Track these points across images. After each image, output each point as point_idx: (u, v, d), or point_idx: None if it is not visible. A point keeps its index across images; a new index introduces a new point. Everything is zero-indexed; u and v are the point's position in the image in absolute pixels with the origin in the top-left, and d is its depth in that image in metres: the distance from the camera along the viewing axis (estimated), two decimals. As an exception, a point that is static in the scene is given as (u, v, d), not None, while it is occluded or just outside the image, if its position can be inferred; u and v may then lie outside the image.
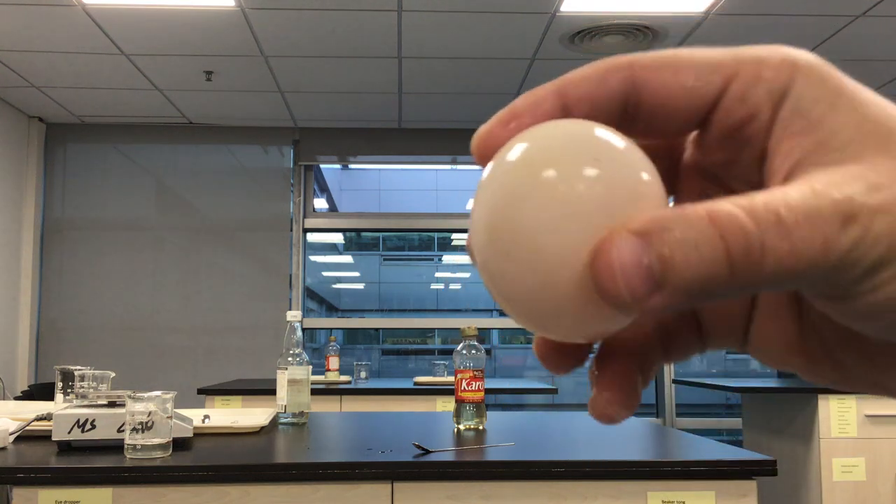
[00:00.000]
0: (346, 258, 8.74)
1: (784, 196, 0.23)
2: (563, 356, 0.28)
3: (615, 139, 0.25)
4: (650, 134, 0.27)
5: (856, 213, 0.22)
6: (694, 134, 0.28)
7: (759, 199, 0.23)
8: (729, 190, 0.28)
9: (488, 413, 1.98)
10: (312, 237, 5.57)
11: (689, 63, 0.26)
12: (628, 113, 0.26)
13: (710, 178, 0.29)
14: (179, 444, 1.59)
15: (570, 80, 0.26)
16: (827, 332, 0.27)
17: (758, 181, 0.26)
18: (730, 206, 0.22)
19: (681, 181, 0.30)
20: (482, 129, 0.27)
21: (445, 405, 3.49)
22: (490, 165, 0.26)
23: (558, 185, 0.24)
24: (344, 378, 4.00)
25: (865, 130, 0.24)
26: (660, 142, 0.29)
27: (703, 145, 0.28)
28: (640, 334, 0.29)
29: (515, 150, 0.25)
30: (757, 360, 0.30)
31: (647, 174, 0.25)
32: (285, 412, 2.03)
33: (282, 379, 2.03)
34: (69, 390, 2.04)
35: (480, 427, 1.90)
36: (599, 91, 0.26)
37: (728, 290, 0.23)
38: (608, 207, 0.24)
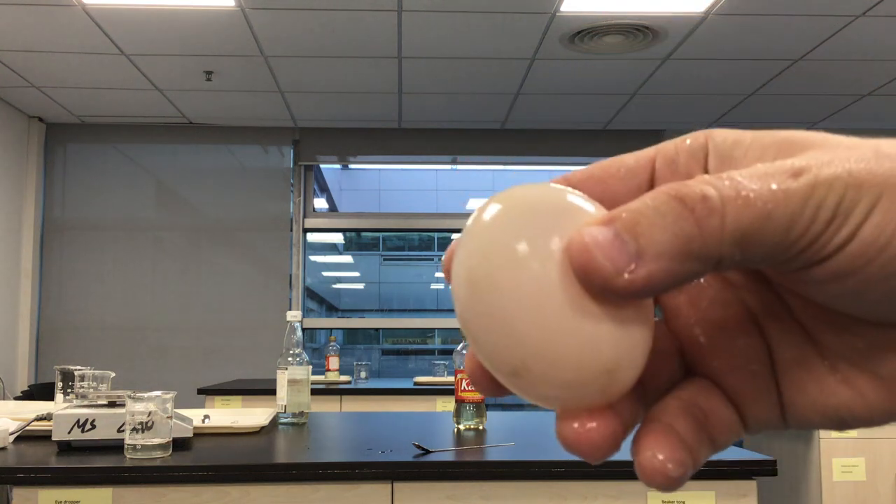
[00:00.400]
0: (346, 258, 8.74)
1: (730, 172, 0.24)
2: (495, 381, 0.28)
3: (582, 204, 0.26)
4: None
5: (802, 168, 0.24)
6: None
7: (706, 175, 0.25)
8: None
9: (488, 413, 1.98)
10: (312, 237, 5.57)
11: (612, 165, 0.28)
12: None
13: None
14: (179, 444, 1.59)
15: None
16: (839, 341, 0.27)
17: None
18: (680, 181, 0.24)
19: None
20: (447, 254, 0.28)
21: (445, 405, 3.49)
22: (470, 224, 0.27)
23: (531, 263, 0.25)
24: (344, 378, 4.00)
25: (786, 146, 0.26)
26: None
27: None
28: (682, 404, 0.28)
29: (490, 214, 0.26)
30: (807, 425, 0.28)
31: (595, 208, 0.26)
32: (285, 412, 2.03)
33: (282, 379, 2.03)
34: (69, 390, 2.04)
35: (480, 427, 1.90)
36: None
37: (705, 250, 0.24)
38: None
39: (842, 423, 0.27)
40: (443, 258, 0.28)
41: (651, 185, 0.28)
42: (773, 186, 0.23)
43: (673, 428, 0.27)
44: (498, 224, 0.26)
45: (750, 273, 0.29)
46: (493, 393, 0.28)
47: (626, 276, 0.24)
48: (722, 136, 0.27)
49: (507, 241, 0.25)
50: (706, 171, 0.27)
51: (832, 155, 0.24)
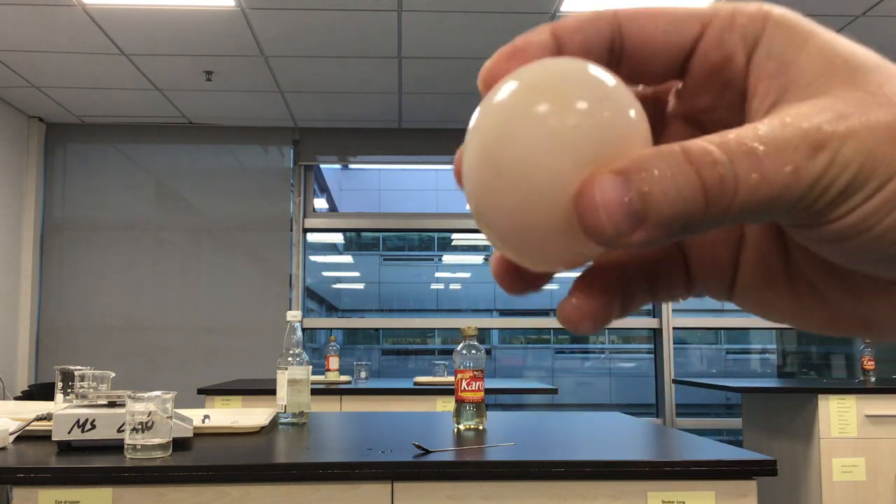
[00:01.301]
0: (346, 258, 8.74)
1: (755, 130, 0.24)
2: (520, 278, 0.29)
3: (605, 77, 0.26)
4: (634, 78, 0.29)
5: (824, 140, 0.23)
6: (677, 86, 0.30)
7: (731, 134, 0.24)
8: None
9: (488, 413, 1.98)
10: (312, 237, 5.57)
11: (666, 12, 0.28)
12: (613, 55, 0.28)
13: (695, 125, 0.30)
14: (179, 444, 1.59)
15: (564, 23, 0.28)
16: (811, 268, 0.28)
17: (739, 124, 0.26)
18: (703, 143, 0.24)
19: (666, 130, 0.31)
20: (487, 64, 0.28)
21: (445, 405, 3.49)
22: (487, 97, 0.27)
23: (548, 118, 0.25)
24: (344, 378, 4.00)
25: (833, 68, 0.25)
26: (646, 91, 0.31)
27: (686, 92, 0.29)
28: (626, 260, 0.30)
29: (510, 84, 0.26)
30: (744, 308, 0.30)
31: (635, 112, 0.26)
32: (285, 412, 2.03)
33: (282, 379, 2.03)
34: (69, 390, 2.04)
35: (480, 427, 1.90)
36: (588, 33, 0.28)
37: (705, 222, 0.24)
38: (595, 142, 0.25)
39: (765, 315, 0.30)
40: (454, 160, 0.29)
41: (692, 50, 0.28)
42: (788, 169, 0.23)
43: (607, 290, 0.29)
44: (506, 101, 0.26)
45: None
46: (518, 289, 0.29)
47: (625, 238, 0.24)
48: (782, 28, 0.26)
49: (524, 105, 0.25)
50: (749, 62, 0.27)
51: (871, 116, 0.24)
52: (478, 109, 0.27)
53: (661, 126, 0.31)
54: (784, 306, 0.29)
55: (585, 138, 0.24)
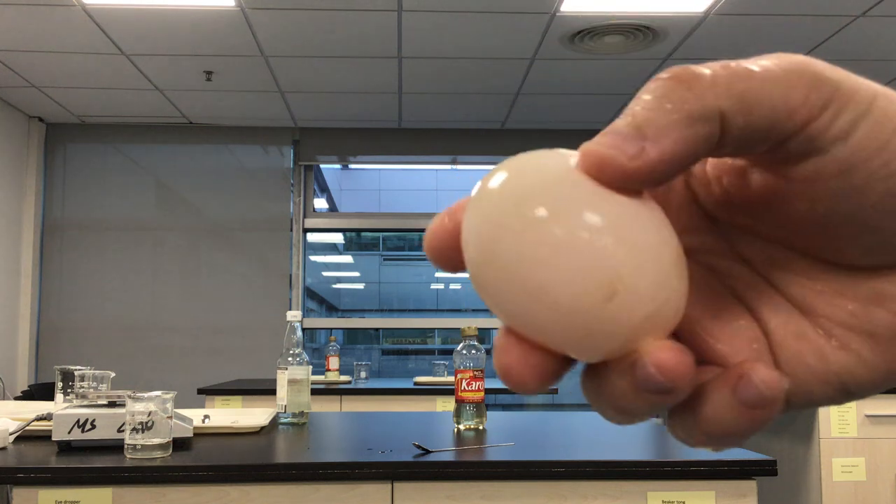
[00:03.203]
0: (346, 258, 8.74)
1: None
2: (540, 368, 0.27)
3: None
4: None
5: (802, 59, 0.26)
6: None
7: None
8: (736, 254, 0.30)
9: (488, 413, 1.98)
10: (312, 237, 5.57)
11: None
12: None
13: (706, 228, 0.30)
14: (179, 444, 1.59)
15: None
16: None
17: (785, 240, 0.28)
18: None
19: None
20: (430, 228, 0.28)
21: (445, 405, 3.49)
22: (478, 189, 0.27)
23: (554, 228, 0.24)
24: (344, 378, 4.00)
25: None
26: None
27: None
28: None
29: (504, 182, 0.26)
30: (810, 400, 0.28)
31: (651, 217, 0.25)
32: (285, 412, 2.03)
33: (282, 379, 2.03)
34: (69, 390, 2.04)
35: (480, 427, 1.90)
36: None
37: (703, 107, 0.24)
38: (611, 256, 0.24)
39: (844, 390, 0.27)
40: (427, 238, 0.28)
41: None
42: (766, 62, 0.25)
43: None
44: (504, 182, 0.26)
45: (731, 257, 0.30)
46: (535, 386, 0.26)
47: (641, 158, 0.24)
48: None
49: (516, 192, 0.25)
50: None
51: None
52: (473, 196, 0.27)
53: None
54: (840, 365, 0.27)
55: (597, 254, 0.24)
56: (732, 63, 0.25)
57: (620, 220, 0.25)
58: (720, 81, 0.25)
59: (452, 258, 0.28)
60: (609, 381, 0.26)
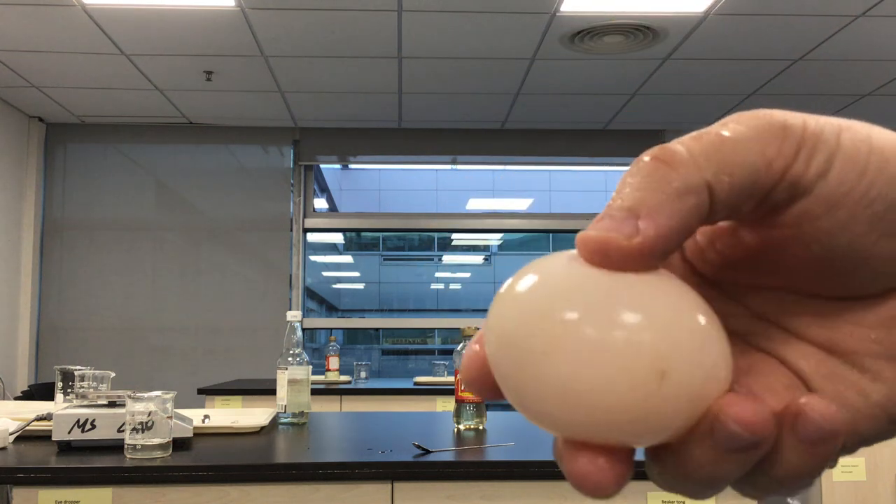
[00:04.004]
0: (346, 258, 8.74)
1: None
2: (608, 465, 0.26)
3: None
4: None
5: (767, 113, 0.27)
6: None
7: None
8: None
9: (488, 413, 1.98)
10: (312, 237, 5.57)
11: None
12: None
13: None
14: (179, 444, 1.59)
15: None
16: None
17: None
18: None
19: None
20: (464, 364, 0.28)
21: (445, 405, 3.49)
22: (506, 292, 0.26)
23: (588, 332, 0.24)
24: (344, 378, 4.00)
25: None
26: None
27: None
28: None
29: (532, 289, 0.26)
30: (864, 439, 0.27)
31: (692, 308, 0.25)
32: (285, 412, 2.03)
33: (282, 379, 2.03)
34: (69, 390, 2.04)
35: (480, 427, 1.90)
36: None
37: (687, 181, 0.25)
38: (657, 352, 0.24)
39: (891, 419, 0.27)
40: (463, 367, 0.27)
41: None
42: (732, 125, 0.26)
43: None
44: (524, 295, 0.25)
45: (746, 317, 0.30)
46: (619, 485, 0.26)
47: (639, 236, 0.25)
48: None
49: (541, 306, 0.25)
50: None
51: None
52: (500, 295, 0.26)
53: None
54: (881, 395, 0.27)
55: (638, 354, 0.24)
56: (703, 134, 0.26)
57: (643, 301, 0.25)
58: (697, 154, 0.25)
59: (493, 384, 0.27)
60: (686, 455, 0.25)
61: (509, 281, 0.26)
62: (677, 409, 0.24)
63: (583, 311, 0.24)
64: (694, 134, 0.26)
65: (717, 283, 0.30)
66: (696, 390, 0.24)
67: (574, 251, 0.26)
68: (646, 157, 0.26)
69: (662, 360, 0.24)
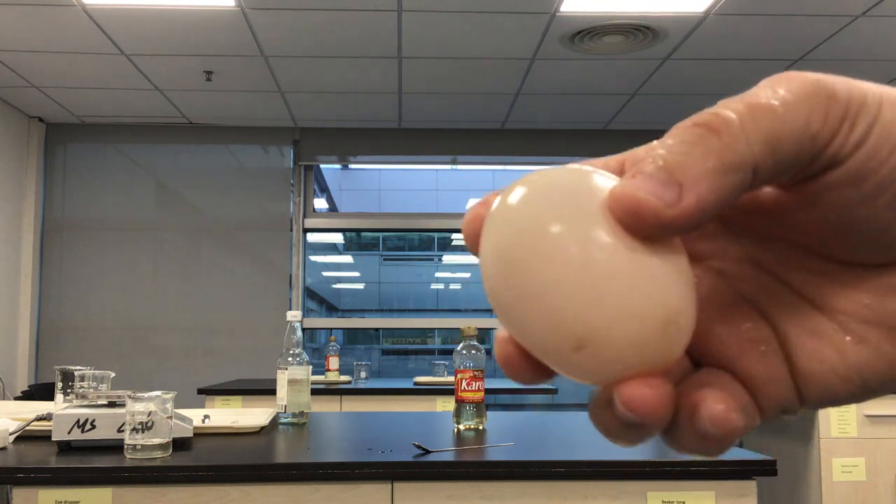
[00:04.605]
0: (346, 258, 8.74)
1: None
2: (533, 367, 0.27)
3: (606, 177, 0.26)
4: None
5: (813, 76, 0.26)
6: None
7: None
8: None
9: (488, 413, 1.98)
10: (312, 237, 5.57)
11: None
12: None
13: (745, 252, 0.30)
14: (179, 444, 1.59)
15: None
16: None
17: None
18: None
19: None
20: (467, 217, 0.28)
21: (445, 405, 3.49)
22: (497, 206, 0.26)
23: (572, 231, 0.25)
24: (344, 378, 4.00)
25: None
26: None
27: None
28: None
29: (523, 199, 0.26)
30: (829, 399, 0.28)
31: None
32: (285, 412, 2.03)
33: (282, 379, 2.03)
34: (69, 390, 2.04)
35: (480, 427, 1.90)
36: None
37: (737, 158, 0.24)
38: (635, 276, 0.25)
39: (865, 385, 0.27)
40: (464, 225, 0.28)
41: None
42: (781, 91, 0.25)
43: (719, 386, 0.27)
44: (529, 202, 0.26)
45: (741, 260, 0.30)
46: (533, 379, 0.27)
47: (677, 207, 0.24)
48: None
49: (542, 216, 0.25)
50: None
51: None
52: (491, 216, 0.26)
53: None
54: (860, 359, 0.28)
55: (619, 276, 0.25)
56: (753, 101, 0.25)
57: (615, 266, 0.25)
58: (749, 128, 0.24)
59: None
60: (600, 415, 0.27)
61: (535, 180, 0.26)
62: (589, 376, 0.26)
63: (578, 256, 0.25)
64: (746, 100, 0.25)
65: (726, 221, 0.30)
66: (609, 370, 0.25)
67: (605, 176, 0.26)
68: (691, 121, 0.25)
69: (591, 333, 0.25)
